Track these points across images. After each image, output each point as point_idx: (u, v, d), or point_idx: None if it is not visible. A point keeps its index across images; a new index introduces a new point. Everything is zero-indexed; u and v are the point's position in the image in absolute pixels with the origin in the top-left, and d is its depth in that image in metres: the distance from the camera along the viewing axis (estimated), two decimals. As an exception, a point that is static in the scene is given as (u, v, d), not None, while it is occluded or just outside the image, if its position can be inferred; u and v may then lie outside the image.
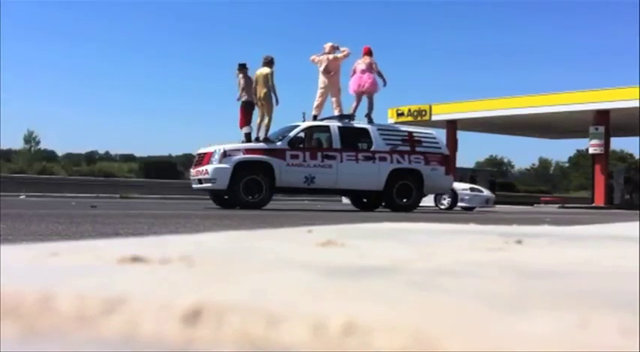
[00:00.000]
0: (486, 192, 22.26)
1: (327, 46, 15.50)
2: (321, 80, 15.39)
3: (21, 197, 20.94)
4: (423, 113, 34.15)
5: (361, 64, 15.62)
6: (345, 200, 19.66)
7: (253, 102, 14.72)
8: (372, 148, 15.05)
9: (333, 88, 15.43)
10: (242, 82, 14.96)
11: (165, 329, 0.73)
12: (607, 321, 0.67)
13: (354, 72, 15.70)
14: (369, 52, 15.79)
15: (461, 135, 35.58)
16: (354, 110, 15.78)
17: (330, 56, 15.32)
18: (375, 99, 15.99)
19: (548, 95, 31.47)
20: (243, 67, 15.15)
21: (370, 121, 15.77)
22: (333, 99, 15.47)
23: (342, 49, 15.56)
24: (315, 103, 15.48)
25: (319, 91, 15.48)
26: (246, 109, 14.90)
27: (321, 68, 15.28)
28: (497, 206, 24.62)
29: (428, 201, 18.58)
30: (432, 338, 0.63)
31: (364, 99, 15.83)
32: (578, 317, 0.69)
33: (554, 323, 0.68)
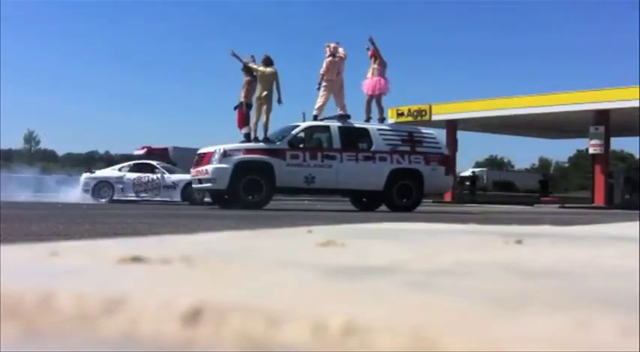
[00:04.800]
0: None
1: (331, 46, 15.53)
2: (323, 81, 15.41)
3: (21, 197, 20.92)
4: (423, 113, 34.11)
5: (372, 67, 15.80)
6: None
7: (251, 103, 14.70)
8: (372, 148, 15.04)
9: (336, 89, 15.42)
10: (247, 82, 14.89)
11: (166, 329, 0.73)
12: (607, 321, 0.67)
13: (368, 75, 15.88)
14: (374, 54, 15.85)
15: (461, 135, 35.56)
16: (367, 112, 15.93)
17: (334, 58, 15.34)
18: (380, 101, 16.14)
19: (548, 95, 31.44)
20: (248, 68, 15.04)
21: (382, 122, 15.95)
22: (337, 100, 15.46)
23: (340, 50, 15.56)
24: (317, 104, 15.49)
25: (321, 92, 15.48)
26: (245, 110, 14.87)
27: (322, 70, 15.32)
28: (497, 206, 24.60)
29: None
30: (432, 338, 0.63)
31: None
32: (578, 317, 0.69)
33: (554, 323, 0.68)
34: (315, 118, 15.38)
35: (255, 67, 14.69)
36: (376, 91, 15.78)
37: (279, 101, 14.69)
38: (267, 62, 14.77)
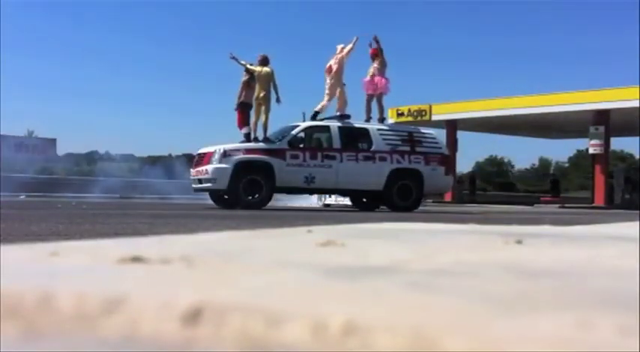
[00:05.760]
0: None
1: (339, 47, 15.60)
2: (326, 80, 15.47)
3: (21, 197, 20.93)
4: (423, 113, 34.14)
5: (373, 66, 15.82)
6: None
7: (251, 103, 14.71)
8: (372, 148, 15.05)
9: (336, 86, 15.41)
10: (245, 82, 14.89)
11: (166, 329, 0.73)
12: (607, 321, 0.67)
13: (368, 75, 15.90)
14: (375, 53, 15.85)
15: (461, 135, 35.57)
16: (367, 111, 15.92)
17: (337, 56, 15.41)
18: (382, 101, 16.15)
19: (548, 95, 31.45)
20: (250, 65, 15.07)
21: (382, 122, 15.95)
22: (336, 98, 15.45)
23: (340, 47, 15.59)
24: (321, 102, 15.51)
25: (325, 92, 15.53)
26: (244, 110, 14.89)
27: (327, 69, 15.43)
28: (497, 206, 24.60)
29: None
30: (432, 338, 0.63)
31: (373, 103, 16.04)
32: (578, 317, 0.69)
33: (554, 323, 0.68)
34: (316, 114, 15.34)
35: (252, 68, 14.70)
36: (377, 90, 15.79)
37: (278, 100, 14.69)
38: (264, 62, 14.77)
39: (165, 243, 1.55)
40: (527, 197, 39.11)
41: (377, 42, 15.96)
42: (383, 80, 15.85)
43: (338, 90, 15.39)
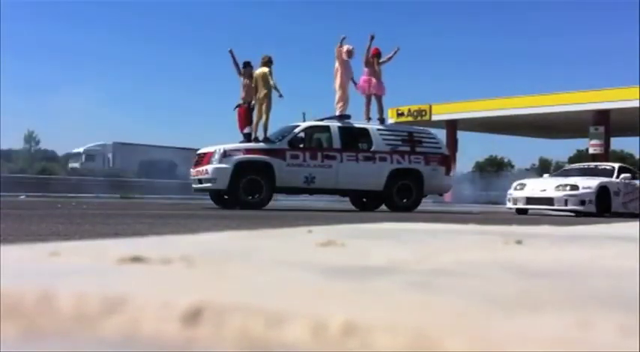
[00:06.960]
0: None
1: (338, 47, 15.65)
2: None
3: (21, 197, 20.92)
4: (423, 113, 34.15)
5: (375, 68, 15.83)
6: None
7: (252, 102, 14.75)
8: (372, 148, 15.04)
9: (337, 85, 15.41)
10: (246, 81, 14.93)
11: (166, 329, 0.73)
12: (607, 321, 0.67)
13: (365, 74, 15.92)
14: (376, 54, 15.82)
15: (461, 135, 35.57)
16: (366, 111, 15.91)
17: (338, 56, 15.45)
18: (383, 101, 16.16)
19: (548, 95, 31.47)
20: (248, 65, 15.10)
21: (382, 123, 15.90)
22: (336, 97, 15.45)
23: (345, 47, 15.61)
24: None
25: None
26: (246, 110, 14.91)
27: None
28: (497, 206, 24.58)
29: None
30: (432, 338, 0.63)
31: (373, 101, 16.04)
32: (578, 317, 0.69)
33: (554, 323, 0.68)
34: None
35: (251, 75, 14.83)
36: (371, 91, 15.77)
37: (280, 96, 14.69)
38: (263, 62, 14.81)
39: (165, 243, 1.55)
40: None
41: (395, 53, 16.04)
42: (377, 81, 15.81)
43: (337, 85, 15.37)
